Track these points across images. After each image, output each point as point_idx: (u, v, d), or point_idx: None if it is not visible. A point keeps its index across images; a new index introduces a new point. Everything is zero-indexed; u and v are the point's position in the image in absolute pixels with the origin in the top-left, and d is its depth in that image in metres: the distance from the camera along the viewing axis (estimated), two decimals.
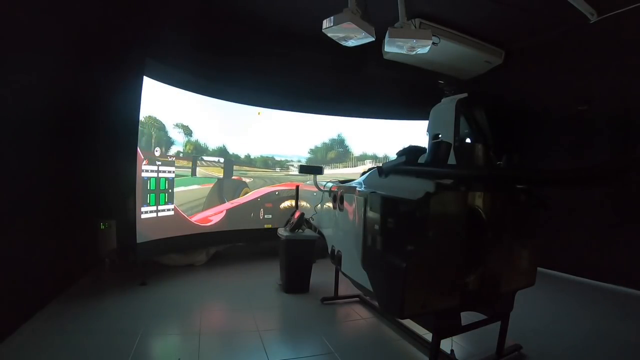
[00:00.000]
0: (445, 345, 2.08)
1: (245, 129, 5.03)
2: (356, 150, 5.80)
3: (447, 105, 2.22)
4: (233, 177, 4.95)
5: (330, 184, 3.18)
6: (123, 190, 3.83)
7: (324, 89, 5.27)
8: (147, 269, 3.83)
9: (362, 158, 5.84)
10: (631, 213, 3.68)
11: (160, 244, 3.99)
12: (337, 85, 5.33)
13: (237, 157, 5.00)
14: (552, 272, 4.33)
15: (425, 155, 2.21)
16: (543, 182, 1.71)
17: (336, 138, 5.66)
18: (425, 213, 1.73)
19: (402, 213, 1.83)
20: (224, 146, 4.87)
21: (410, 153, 2.17)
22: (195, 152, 4.54)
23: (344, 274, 2.75)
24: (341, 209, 2.71)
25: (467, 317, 2.14)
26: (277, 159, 5.35)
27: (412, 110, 5.47)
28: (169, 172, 4.14)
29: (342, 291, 3.35)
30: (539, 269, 2.29)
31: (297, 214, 3.71)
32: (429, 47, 2.80)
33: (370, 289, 2.13)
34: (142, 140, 3.70)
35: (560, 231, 4.14)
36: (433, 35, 2.96)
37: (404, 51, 2.86)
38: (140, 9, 3.72)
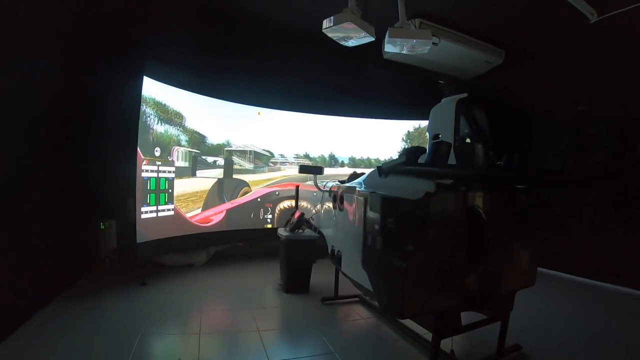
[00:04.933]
0: (445, 345, 2.07)
1: (245, 128, 5.03)
2: (355, 150, 5.80)
3: (447, 105, 2.22)
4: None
5: (330, 184, 3.18)
6: (123, 190, 3.83)
7: (324, 89, 5.26)
8: (147, 269, 3.83)
9: (360, 160, 5.84)
10: (631, 213, 3.68)
11: (160, 244, 3.99)
12: (337, 85, 5.32)
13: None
14: (552, 272, 4.33)
15: (425, 155, 2.21)
16: (543, 182, 1.71)
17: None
18: (425, 213, 1.73)
19: (402, 213, 1.83)
20: (227, 142, 4.90)
21: (410, 153, 2.18)
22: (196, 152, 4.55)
23: (344, 274, 2.75)
24: (341, 209, 2.72)
25: (467, 317, 2.14)
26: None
27: (412, 110, 5.47)
28: (169, 172, 4.14)
29: (342, 291, 3.35)
30: (539, 269, 2.29)
31: (297, 214, 3.71)
32: (429, 47, 2.80)
33: (370, 289, 2.13)
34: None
35: (561, 231, 4.14)
36: (433, 35, 2.96)
37: (404, 51, 2.86)
38: (140, 9, 3.72)
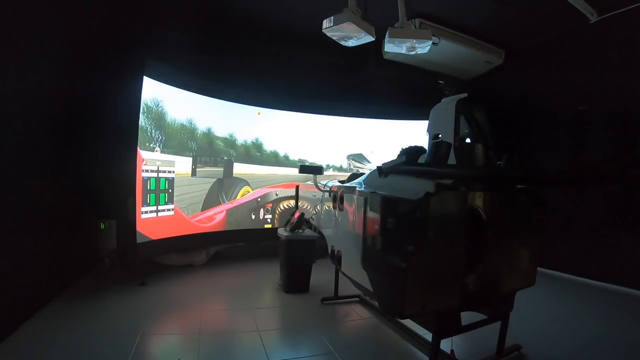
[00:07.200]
0: (445, 345, 2.07)
1: (245, 129, 5.03)
2: (355, 150, 5.79)
3: (447, 105, 2.22)
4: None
5: (330, 184, 3.18)
6: (123, 190, 3.83)
7: (324, 89, 5.27)
8: (147, 269, 3.83)
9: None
10: (631, 213, 3.68)
11: (160, 244, 3.99)
12: (337, 85, 5.32)
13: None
14: (552, 272, 4.33)
15: (426, 155, 2.21)
16: (543, 183, 1.71)
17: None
18: (425, 213, 1.73)
19: (402, 213, 1.83)
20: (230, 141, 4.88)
21: (410, 153, 2.18)
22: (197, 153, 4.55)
23: (344, 274, 2.75)
24: (341, 209, 2.72)
25: (467, 317, 2.14)
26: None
27: (412, 110, 5.47)
28: (169, 172, 4.14)
29: (342, 291, 3.35)
30: (539, 269, 2.29)
31: (297, 214, 3.71)
32: (429, 47, 2.80)
33: (370, 289, 2.13)
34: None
35: (561, 231, 4.14)
36: (433, 35, 2.96)
37: (404, 51, 2.86)
38: (140, 9, 3.72)
